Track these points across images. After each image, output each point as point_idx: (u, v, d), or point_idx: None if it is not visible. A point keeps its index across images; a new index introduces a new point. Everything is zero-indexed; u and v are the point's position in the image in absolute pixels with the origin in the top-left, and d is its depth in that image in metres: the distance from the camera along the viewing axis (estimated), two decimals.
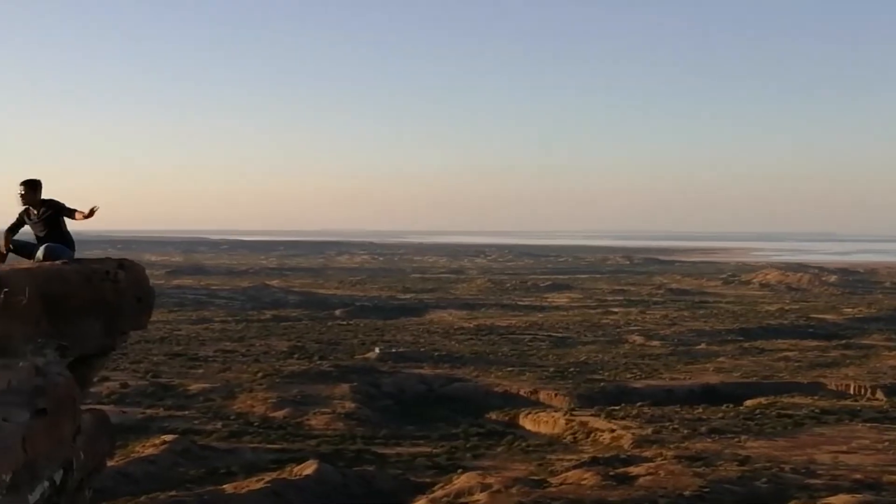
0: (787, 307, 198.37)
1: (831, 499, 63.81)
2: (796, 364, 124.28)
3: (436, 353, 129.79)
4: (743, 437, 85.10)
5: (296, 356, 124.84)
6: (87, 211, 12.48)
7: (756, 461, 75.91)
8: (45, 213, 12.50)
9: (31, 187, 12.58)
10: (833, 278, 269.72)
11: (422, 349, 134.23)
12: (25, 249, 12.55)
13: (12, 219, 12.71)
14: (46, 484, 8.46)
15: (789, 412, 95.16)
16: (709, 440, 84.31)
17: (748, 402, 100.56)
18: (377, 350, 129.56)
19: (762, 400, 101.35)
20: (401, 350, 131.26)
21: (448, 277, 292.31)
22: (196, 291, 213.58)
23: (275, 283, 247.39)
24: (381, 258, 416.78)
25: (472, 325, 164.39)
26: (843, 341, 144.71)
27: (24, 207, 12.62)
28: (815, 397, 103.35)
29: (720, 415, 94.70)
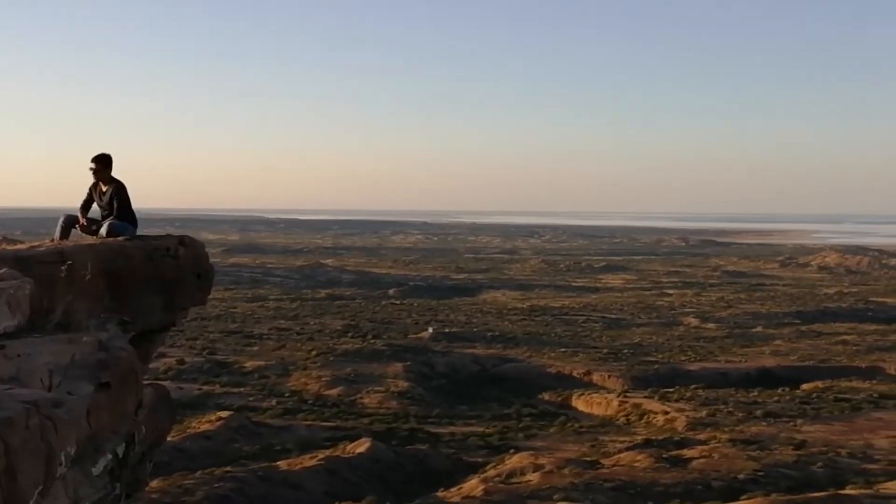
0: (845, 290, 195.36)
1: (889, 484, 62.96)
2: (854, 348, 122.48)
3: (489, 334, 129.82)
4: (799, 421, 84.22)
5: (349, 335, 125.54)
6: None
7: (812, 445, 75.12)
8: (111, 191, 12.67)
9: (103, 163, 12.73)
10: (894, 261, 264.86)
11: (475, 329, 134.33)
12: (90, 226, 12.74)
13: (83, 196, 12.90)
14: (109, 457, 8.59)
15: (847, 396, 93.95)
16: (764, 424, 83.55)
17: (805, 386, 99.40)
18: (430, 330, 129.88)
19: (819, 384, 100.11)
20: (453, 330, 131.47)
21: (501, 258, 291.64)
22: (252, 270, 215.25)
23: (329, 262, 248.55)
24: (434, 238, 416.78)
25: (525, 306, 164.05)
26: None
27: (94, 183, 12.79)
28: (874, 382, 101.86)
29: (776, 398, 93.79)
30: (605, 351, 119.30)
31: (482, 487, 62.62)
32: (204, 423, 77.06)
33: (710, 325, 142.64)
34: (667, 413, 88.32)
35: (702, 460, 69.08)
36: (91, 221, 12.71)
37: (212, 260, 13.68)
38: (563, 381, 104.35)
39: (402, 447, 74.15)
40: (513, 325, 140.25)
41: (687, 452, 71.36)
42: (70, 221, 12.65)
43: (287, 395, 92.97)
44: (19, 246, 11.54)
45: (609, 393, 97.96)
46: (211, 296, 13.99)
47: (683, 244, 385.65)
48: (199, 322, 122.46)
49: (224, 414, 79.99)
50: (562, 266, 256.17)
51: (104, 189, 12.71)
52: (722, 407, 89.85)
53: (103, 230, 12.35)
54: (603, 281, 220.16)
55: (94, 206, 12.86)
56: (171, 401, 11.52)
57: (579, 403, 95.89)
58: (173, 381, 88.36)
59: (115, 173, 12.89)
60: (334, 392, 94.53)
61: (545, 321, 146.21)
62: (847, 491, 61.11)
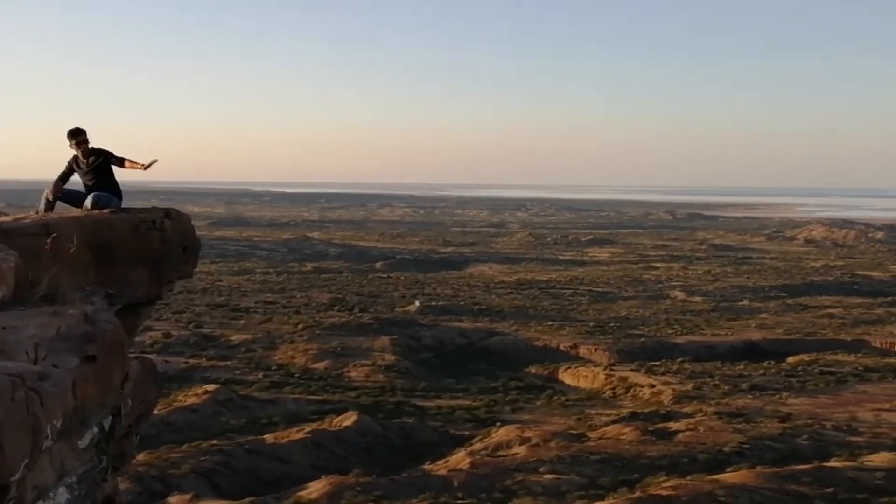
0: (832, 263, 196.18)
1: (873, 456, 63.50)
2: (840, 321, 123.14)
3: (476, 307, 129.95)
4: (784, 394, 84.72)
5: (336, 308, 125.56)
6: (144, 162, 12.44)
7: (797, 418, 75.61)
8: (95, 162, 12.54)
9: (80, 136, 12.60)
10: (880, 235, 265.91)
11: (462, 303, 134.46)
12: (74, 198, 12.61)
13: (62, 167, 12.74)
14: (95, 430, 8.53)
15: (832, 369, 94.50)
16: (750, 397, 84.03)
17: (790, 359, 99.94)
18: (417, 303, 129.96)
19: (805, 357, 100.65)
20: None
21: (489, 231, 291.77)
22: (238, 243, 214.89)
23: (316, 235, 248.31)
24: (422, 211, 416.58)
25: (512, 280, 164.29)
26: (889, 298, 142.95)
27: (73, 156, 12.66)
28: (859, 355, 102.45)
29: (762, 371, 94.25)
30: (592, 324, 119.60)
31: (469, 460, 62.90)
32: (190, 397, 77.10)
33: (697, 299, 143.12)
34: (653, 386, 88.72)
35: (687, 433, 69.48)
36: (66, 193, 12.56)
37: (198, 233, 13.59)
38: (549, 354, 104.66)
39: (389, 420, 74.33)
40: (500, 299, 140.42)
41: (673, 425, 71.76)
42: (58, 195, 12.52)
43: (274, 368, 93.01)
44: (3, 218, 11.44)
45: (595, 366, 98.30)
46: (197, 269, 13.91)
47: (670, 218, 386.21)
48: (186, 295, 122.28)
49: (210, 387, 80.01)
50: (549, 239, 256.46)
51: (84, 161, 12.57)
52: (708, 380, 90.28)
53: (88, 202, 12.24)
54: (590, 254, 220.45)
55: (76, 177, 12.72)
56: (158, 374, 11.45)
57: (566, 377, 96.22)
58: (160, 355, 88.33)
59: (101, 145, 12.77)
60: (321, 365, 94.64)
61: (532, 294, 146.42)
62: (831, 463, 61.61)
